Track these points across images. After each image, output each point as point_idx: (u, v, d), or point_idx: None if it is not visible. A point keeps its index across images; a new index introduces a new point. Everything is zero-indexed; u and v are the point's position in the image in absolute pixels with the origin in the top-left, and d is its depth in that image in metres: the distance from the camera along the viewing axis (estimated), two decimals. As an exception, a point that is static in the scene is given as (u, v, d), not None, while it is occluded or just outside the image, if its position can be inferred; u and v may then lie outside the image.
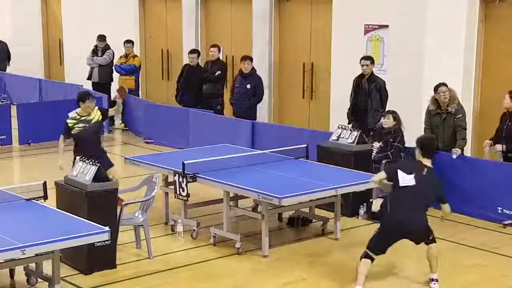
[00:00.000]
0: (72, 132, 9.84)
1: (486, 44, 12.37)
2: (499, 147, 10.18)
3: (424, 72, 12.27)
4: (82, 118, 9.87)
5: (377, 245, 7.64)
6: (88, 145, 9.71)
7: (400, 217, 7.48)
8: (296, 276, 8.21)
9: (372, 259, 7.65)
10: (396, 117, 10.60)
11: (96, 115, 9.92)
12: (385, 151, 10.49)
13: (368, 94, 11.79)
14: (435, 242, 7.77)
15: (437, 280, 7.81)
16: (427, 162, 7.72)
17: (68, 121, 9.86)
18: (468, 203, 10.29)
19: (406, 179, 7.54)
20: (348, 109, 12.13)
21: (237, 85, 13.73)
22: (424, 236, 7.74)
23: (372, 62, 11.93)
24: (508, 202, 9.98)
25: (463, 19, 12.29)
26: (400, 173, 7.58)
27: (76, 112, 9.91)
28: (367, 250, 7.66)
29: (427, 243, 7.76)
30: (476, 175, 10.31)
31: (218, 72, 14.37)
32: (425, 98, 11.05)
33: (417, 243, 7.83)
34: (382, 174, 7.87)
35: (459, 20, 12.30)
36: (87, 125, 9.85)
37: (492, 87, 12.31)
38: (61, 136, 9.95)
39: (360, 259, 7.69)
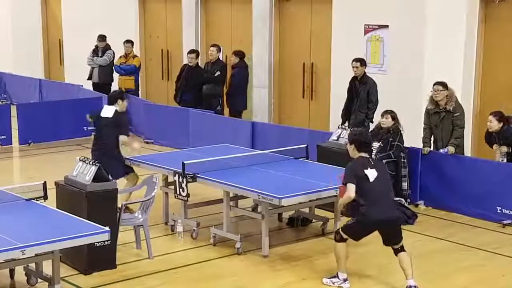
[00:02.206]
0: None
1: (486, 44, 12.38)
2: (504, 148, 10.14)
3: (424, 72, 12.26)
4: None
5: (353, 234, 7.68)
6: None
7: (377, 207, 7.47)
8: (296, 276, 8.20)
9: (346, 240, 7.71)
10: (394, 117, 10.58)
11: None
12: (385, 151, 10.49)
13: (358, 95, 11.85)
14: (404, 250, 7.61)
15: (415, 287, 7.56)
16: (366, 154, 7.75)
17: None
18: (468, 203, 10.31)
19: (372, 174, 7.58)
20: (342, 110, 12.19)
21: None
22: (399, 233, 7.62)
23: (363, 64, 11.97)
24: (507, 202, 9.98)
25: (463, 19, 12.30)
26: (366, 170, 7.58)
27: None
28: (341, 233, 7.69)
29: (396, 253, 7.61)
30: (476, 175, 10.30)
31: (218, 73, 14.36)
32: (425, 98, 11.04)
33: (390, 240, 7.63)
34: (351, 186, 7.54)
35: (459, 20, 12.30)
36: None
37: (492, 87, 12.31)
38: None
39: (335, 240, 7.74)
